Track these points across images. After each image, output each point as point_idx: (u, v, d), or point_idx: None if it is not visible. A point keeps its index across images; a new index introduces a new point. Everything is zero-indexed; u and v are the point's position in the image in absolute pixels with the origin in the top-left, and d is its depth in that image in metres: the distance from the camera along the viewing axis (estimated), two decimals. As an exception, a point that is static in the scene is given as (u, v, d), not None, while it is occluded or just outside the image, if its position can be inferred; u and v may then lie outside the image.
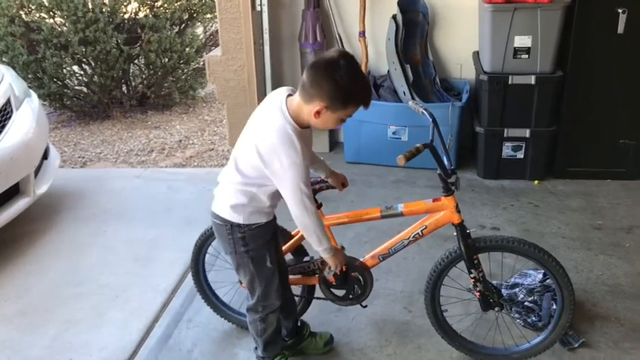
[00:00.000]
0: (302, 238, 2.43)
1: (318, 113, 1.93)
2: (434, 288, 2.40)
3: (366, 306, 2.77)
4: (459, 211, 2.25)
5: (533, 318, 2.66)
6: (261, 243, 2.17)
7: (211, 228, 2.52)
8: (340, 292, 2.50)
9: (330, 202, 2.52)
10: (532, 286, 2.79)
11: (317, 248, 2.13)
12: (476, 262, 2.30)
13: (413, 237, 2.34)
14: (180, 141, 5.55)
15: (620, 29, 3.66)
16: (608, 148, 4.00)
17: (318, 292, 2.54)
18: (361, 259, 2.44)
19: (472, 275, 2.31)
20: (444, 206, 2.26)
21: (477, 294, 2.36)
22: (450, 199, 2.24)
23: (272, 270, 2.22)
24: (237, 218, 2.11)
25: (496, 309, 2.38)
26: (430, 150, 2.16)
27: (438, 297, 2.43)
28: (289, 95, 2.04)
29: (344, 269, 2.32)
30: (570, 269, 3.06)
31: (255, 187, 2.08)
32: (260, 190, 2.08)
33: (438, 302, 2.44)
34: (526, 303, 2.73)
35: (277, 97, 2.05)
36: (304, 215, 2.02)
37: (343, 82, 1.88)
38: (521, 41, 3.78)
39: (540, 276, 2.86)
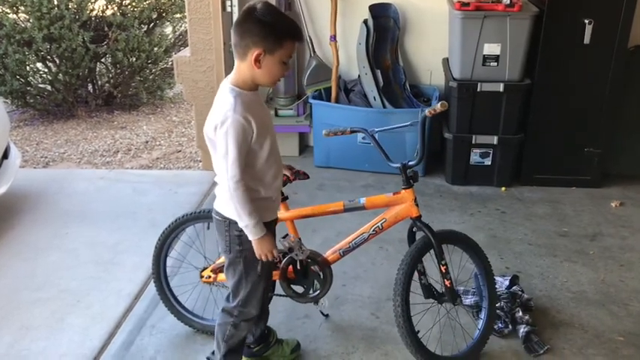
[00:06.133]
0: None
1: (257, 62, 1.92)
2: (407, 280, 2.28)
3: (327, 315, 2.75)
4: (417, 204, 2.33)
5: (500, 324, 2.67)
6: None
7: (168, 227, 2.58)
8: (299, 289, 2.50)
9: (297, 206, 2.51)
10: (498, 294, 2.80)
11: (240, 225, 2.03)
12: None
13: (373, 230, 2.39)
14: (147, 142, 5.46)
15: (587, 39, 3.73)
16: (574, 156, 4.06)
17: (278, 290, 2.52)
18: (323, 255, 2.45)
19: (443, 262, 2.31)
20: (404, 199, 2.33)
21: (447, 282, 2.35)
22: (409, 192, 2.33)
23: (260, 277, 2.18)
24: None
25: (458, 300, 2.43)
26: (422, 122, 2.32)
27: (408, 297, 2.30)
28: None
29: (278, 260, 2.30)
30: (536, 276, 3.10)
31: None
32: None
33: (408, 305, 2.33)
34: (492, 310, 2.74)
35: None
36: (225, 179, 1.95)
37: (268, 19, 1.90)
38: (491, 49, 3.82)
39: (507, 282, 2.88)
